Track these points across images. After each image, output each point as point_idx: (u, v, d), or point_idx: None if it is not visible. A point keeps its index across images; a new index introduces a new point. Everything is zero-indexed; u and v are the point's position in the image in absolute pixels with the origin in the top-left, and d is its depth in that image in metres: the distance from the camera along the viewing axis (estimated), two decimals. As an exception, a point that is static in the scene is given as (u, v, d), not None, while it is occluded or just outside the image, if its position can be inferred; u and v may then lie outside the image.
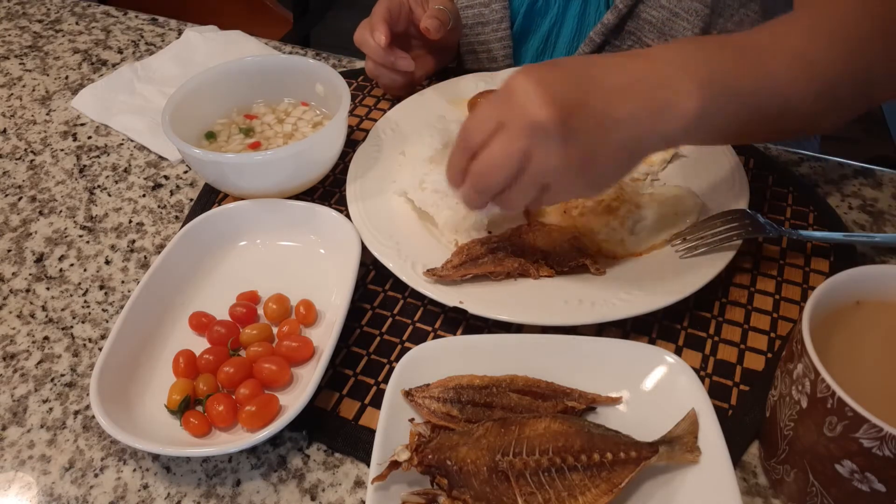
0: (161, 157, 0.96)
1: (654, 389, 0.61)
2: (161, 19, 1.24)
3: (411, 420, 0.59)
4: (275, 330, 0.71)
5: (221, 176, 0.81)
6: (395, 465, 0.54)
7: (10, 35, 1.22)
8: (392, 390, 0.60)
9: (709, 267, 0.70)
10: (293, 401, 0.62)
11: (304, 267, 0.78)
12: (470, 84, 0.96)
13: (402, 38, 0.95)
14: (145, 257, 0.82)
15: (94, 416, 0.65)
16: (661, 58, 0.59)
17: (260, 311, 0.73)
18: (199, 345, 0.69)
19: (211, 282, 0.76)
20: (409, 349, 0.64)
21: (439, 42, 0.95)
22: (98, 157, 0.97)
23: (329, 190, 0.88)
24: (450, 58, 1.05)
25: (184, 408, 0.64)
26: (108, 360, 0.64)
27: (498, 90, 0.59)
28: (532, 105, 0.55)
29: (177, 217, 0.87)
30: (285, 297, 0.73)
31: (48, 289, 0.79)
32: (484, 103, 0.60)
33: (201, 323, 0.71)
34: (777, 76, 0.61)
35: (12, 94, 1.08)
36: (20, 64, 1.15)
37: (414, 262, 0.72)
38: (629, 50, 0.94)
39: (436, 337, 0.71)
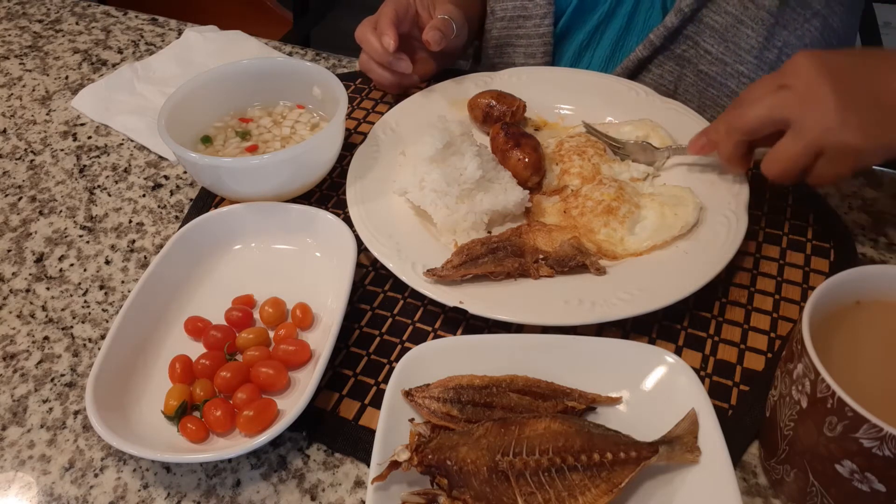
0: (161, 157, 0.96)
1: (654, 389, 0.61)
2: (161, 19, 1.24)
3: (411, 420, 0.59)
4: (271, 334, 0.71)
5: (218, 180, 0.80)
6: (395, 465, 0.54)
7: (10, 35, 1.22)
8: (392, 390, 0.60)
9: (709, 267, 0.70)
10: (291, 405, 0.62)
11: (300, 270, 0.77)
12: (469, 85, 0.96)
13: (404, 39, 0.95)
14: (145, 257, 0.82)
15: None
16: None
17: (256, 315, 0.73)
18: (195, 349, 0.69)
19: (206, 286, 0.76)
20: (409, 349, 0.64)
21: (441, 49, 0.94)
22: (98, 157, 0.97)
23: (326, 193, 0.88)
24: (451, 62, 1.05)
25: (181, 413, 0.64)
26: (104, 367, 0.64)
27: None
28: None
29: (177, 217, 0.87)
30: (281, 300, 0.73)
31: (48, 289, 0.79)
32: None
33: (197, 327, 0.71)
34: None
35: (12, 94, 1.08)
36: (20, 64, 1.15)
37: (414, 262, 0.72)
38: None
39: (436, 337, 0.71)
